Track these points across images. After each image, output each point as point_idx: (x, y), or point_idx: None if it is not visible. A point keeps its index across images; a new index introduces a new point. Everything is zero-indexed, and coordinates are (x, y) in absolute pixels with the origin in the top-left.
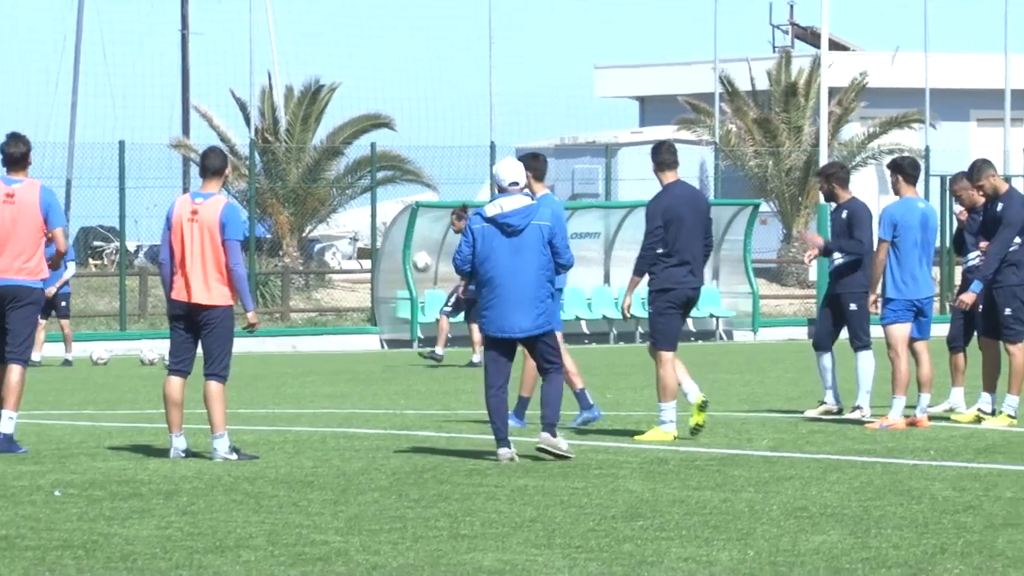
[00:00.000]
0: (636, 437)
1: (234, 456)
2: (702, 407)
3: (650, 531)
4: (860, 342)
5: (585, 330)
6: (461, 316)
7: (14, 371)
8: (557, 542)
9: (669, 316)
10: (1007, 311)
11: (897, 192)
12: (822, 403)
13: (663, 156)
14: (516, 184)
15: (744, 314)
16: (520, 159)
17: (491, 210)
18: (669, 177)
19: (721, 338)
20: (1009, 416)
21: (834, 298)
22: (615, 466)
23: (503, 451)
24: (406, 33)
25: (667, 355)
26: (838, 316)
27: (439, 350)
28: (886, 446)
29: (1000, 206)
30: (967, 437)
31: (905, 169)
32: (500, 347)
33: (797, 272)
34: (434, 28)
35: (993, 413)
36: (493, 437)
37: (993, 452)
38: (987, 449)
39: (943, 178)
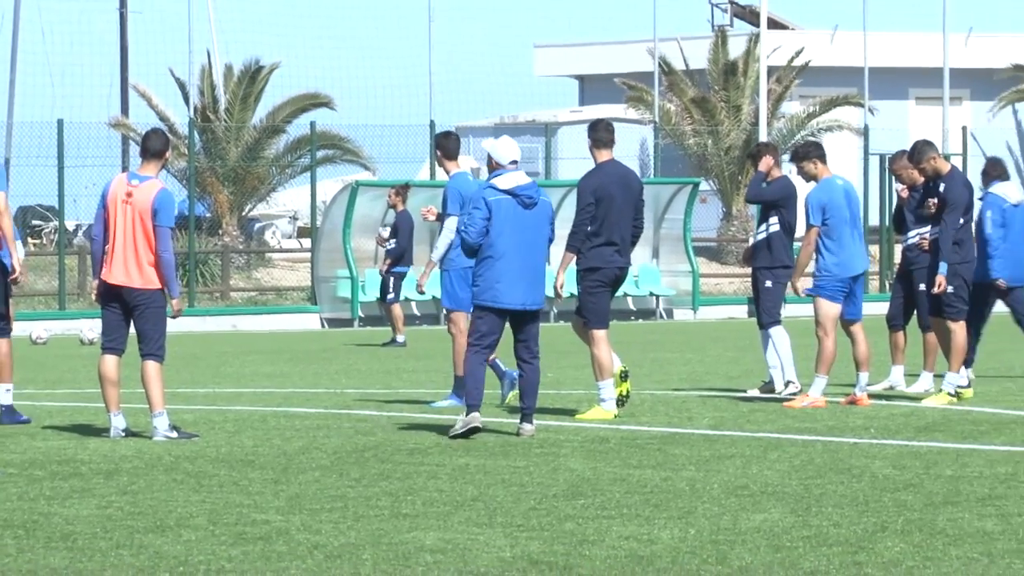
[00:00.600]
0: (577, 416)
1: (174, 434)
2: (623, 376)
3: (591, 510)
4: (769, 318)
5: None
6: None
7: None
8: (498, 521)
9: (599, 295)
10: (949, 288)
11: (815, 178)
12: (765, 383)
13: (600, 134)
14: (515, 162)
15: (684, 293)
16: (435, 137)
17: (506, 183)
18: (604, 155)
19: (661, 317)
20: (948, 394)
21: (753, 272)
22: (556, 445)
23: (475, 415)
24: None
25: (600, 333)
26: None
27: (400, 337)
28: (827, 424)
29: (942, 187)
30: (907, 415)
31: (813, 153)
32: (496, 318)
33: (737, 251)
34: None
35: (969, 385)
36: (464, 402)
37: (933, 430)
38: (927, 427)
39: (882, 156)
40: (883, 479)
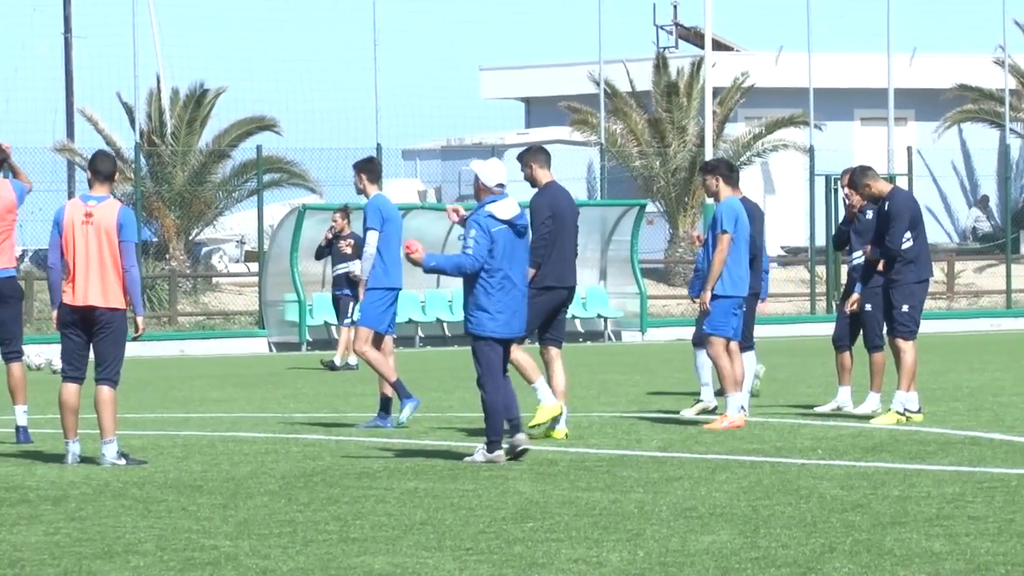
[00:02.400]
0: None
1: (123, 462)
2: (554, 421)
3: (540, 532)
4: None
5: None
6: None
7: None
8: (447, 544)
9: (535, 312)
10: (904, 307)
11: (717, 197)
12: (699, 402)
13: (544, 156)
14: (502, 185)
15: (632, 315)
16: (356, 164)
17: (503, 212)
18: (547, 176)
19: (609, 339)
20: (897, 413)
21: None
22: (505, 468)
23: (499, 453)
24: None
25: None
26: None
27: (352, 359)
28: (774, 446)
29: (887, 204)
30: (855, 436)
31: (721, 170)
32: (500, 348)
33: (684, 272)
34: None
35: (919, 411)
36: (488, 438)
37: (880, 451)
38: (874, 448)
39: (828, 177)
40: (831, 500)
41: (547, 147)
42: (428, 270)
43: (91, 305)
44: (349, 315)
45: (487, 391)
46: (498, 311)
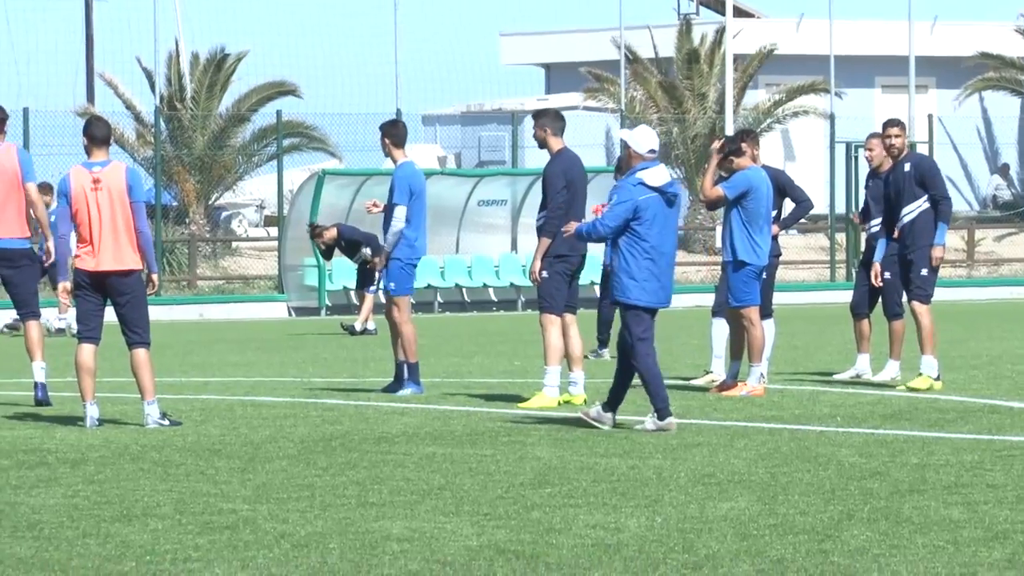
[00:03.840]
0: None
1: (166, 423)
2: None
3: (558, 498)
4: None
5: (493, 297)
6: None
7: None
8: (465, 509)
9: (560, 280)
10: (923, 271)
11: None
12: (708, 372)
13: (560, 123)
14: (653, 151)
15: None
16: (381, 126)
17: (654, 179)
18: (559, 143)
19: None
20: (930, 377)
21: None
22: (523, 433)
23: (671, 420)
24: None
25: (554, 318)
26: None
27: (371, 324)
28: (793, 413)
29: (908, 164)
30: (873, 404)
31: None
32: (648, 315)
33: (704, 239)
34: None
35: (938, 378)
36: (654, 405)
37: (899, 418)
38: (893, 415)
39: (848, 144)
40: (849, 467)
41: (566, 113)
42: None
43: (109, 270)
44: (376, 283)
45: (639, 359)
46: (644, 279)
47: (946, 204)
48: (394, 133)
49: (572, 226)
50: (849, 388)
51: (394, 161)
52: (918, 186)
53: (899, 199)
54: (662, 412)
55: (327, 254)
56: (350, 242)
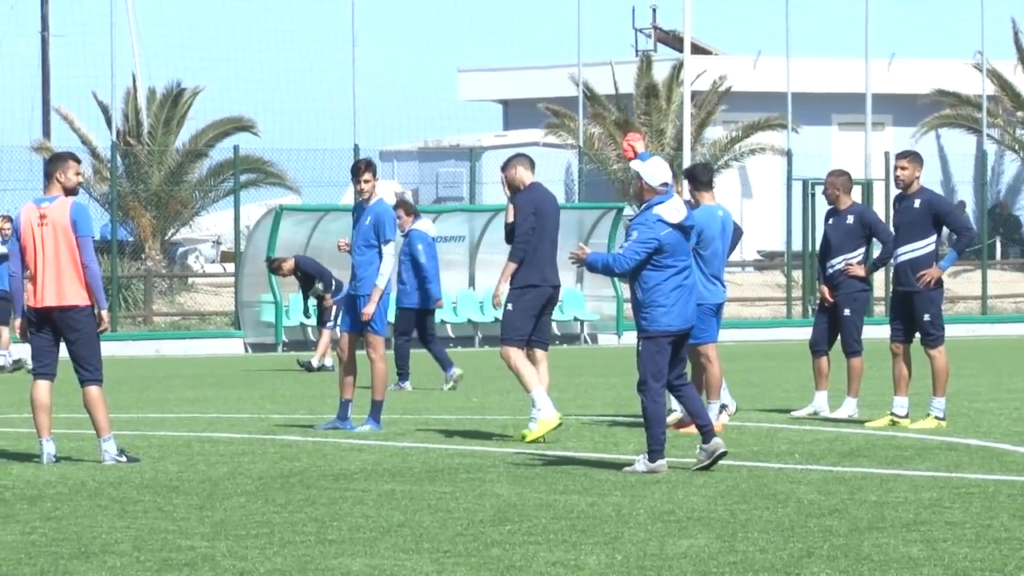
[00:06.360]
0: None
1: (123, 459)
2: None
3: (518, 535)
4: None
5: (451, 333)
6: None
7: None
8: (425, 547)
9: (524, 313)
10: (926, 317)
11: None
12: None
13: (530, 162)
14: (666, 184)
15: (608, 317)
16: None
17: (672, 215)
18: (531, 179)
19: (586, 342)
20: (937, 418)
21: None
22: (482, 470)
23: (662, 463)
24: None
25: (514, 349)
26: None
27: (328, 360)
28: (751, 450)
29: (919, 201)
30: (831, 440)
31: (697, 176)
32: (668, 351)
33: None
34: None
35: (906, 416)
36: (648, 447)
37: (857, 456)
38: (852, 453)
39: (805, 182)
40: (808, 504)
41: (526, 149)
42: (584, 265)
43: (54, 305)
44: (332, 319)
45: (648, 397)
46: (672, 304)
47: (967, 236)
48: (361, 170)
49: (585, 250)
50: (807, 425)
51: (367, 202)
52: (932, 224)
53: (899, 232)
54: (655, 455)
55: (306, 296)
56: (306, 275)
